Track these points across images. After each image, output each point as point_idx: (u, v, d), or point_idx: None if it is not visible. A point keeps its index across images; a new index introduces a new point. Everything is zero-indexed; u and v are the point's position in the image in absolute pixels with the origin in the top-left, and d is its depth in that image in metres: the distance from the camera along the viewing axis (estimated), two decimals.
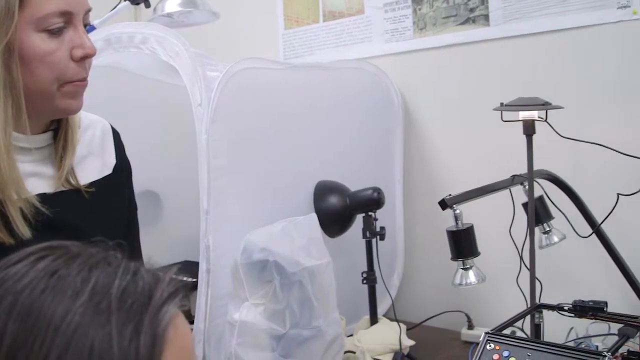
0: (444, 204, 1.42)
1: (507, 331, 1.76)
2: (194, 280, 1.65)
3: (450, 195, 1.43)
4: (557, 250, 1.80)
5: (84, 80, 1.23)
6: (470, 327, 2.00)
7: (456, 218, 1.43)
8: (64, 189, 1.27)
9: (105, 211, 1.35)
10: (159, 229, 2.46)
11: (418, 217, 2.21)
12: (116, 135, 1.46)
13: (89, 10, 1.21)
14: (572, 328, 1.67)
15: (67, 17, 1.16)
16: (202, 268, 1.58)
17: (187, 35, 1.90)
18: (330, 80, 2.04)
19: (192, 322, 1.57)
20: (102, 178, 1.36)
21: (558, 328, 1.62)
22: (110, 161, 1.41)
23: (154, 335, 0.61)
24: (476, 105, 1.96)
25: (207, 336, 1.57)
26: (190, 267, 1.63)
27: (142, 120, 2.32)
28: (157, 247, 2.33)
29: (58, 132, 1.28)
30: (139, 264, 0.67)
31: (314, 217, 1.58)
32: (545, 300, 1.51)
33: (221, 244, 1.58)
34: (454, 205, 1.41)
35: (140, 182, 2.33)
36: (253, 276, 1.45)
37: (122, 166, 1.44)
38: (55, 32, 1.15)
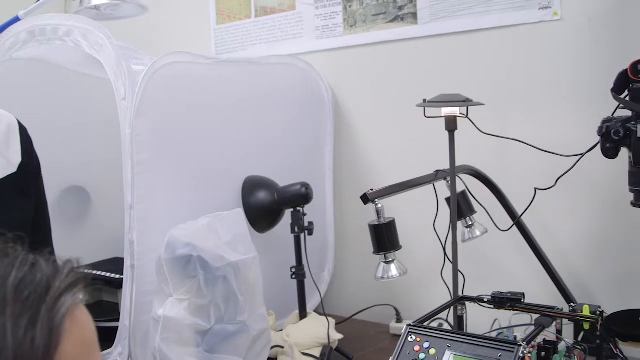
0: (365, 199, 1.43)
1: (434, 324, 1.81)
2: (121, 277, 1.63)
3: (372, 190, 1.44)
4: (481, 244, 1.84)
5: None
6: (399, 320, 2.03)
7: (378, 212, 1.45)
8: None
9: (8, 210, 1.31)
10: (89, 225, 2.43)
11: (348, 212, 2.23)
12: (23, 131, 1.41)
13: None
14: (496, 319, 1.71)
15: None
16: (127, 264, 1.56)
17: (119, 29, 1.87)
18: (260, 75, 2.04)
19: None
20: (5, 177, 1.32)
21: (483, 319, 1.66)
22: (15, 159, 1.37)
23: (51, 326, 0.60)
24: (403, 102, 1.98)
25: (132, 333, 1.56)
26: (120, 264, 1.62)
27: (70, 114, 2.29)
28: (88, 243, 2.32)
29: None
30: (39, 256, 0.65)
31: (240, 212, 1.58)
32: (470, 292, 1.54)
33: (146, 240, 1.56)
34: (376, 200, 1.43)
35: (67, 177, 2.32)
36: (177, 271, 1.44)
37: (29, 164, 1.40)
38: None
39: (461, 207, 1.71)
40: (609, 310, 1.41)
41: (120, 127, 1.57)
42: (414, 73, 2.07)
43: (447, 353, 1.25)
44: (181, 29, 2.64)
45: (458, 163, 1.66)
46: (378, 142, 2.18)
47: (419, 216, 1.85)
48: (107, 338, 1.60)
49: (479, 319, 1.63)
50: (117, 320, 1.59)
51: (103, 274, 2.03)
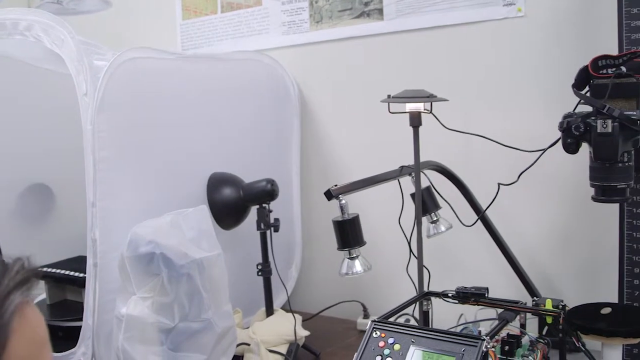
0: (329, 195, 1.43)
1: (402, 319, 1.81)
2: (84, 275, 1.61)
3: (336, 185, 1.44)
4: (447, 239, 1.85)
5: None
6: (366, 316, 2.03)
7: (342, 208, 1.45)
8: None
9: None
10: (53, 223, 2.40)
11: (316, 208, 2.23)
12: None
13: None
14: (462, 314, 1.72)
15: None
16: (90, 262, 1.54)
17: (84, 24, 1.84)
18: (226, 71, 2.02)
19: None
20: None
21: (450, 314, 1.67)
22: None
23: None
24: (370, 98, 1.97)
25: (96, 332, 1.54)
26: (84, 262, 1.59)
27: (33, 110, 2.25)
28: (52, 241, 2.29)
29: None
30: None
31: (204, 208, 1.57)
32: (437, 287, 1.55)
33: (109, 238, 1.54)
34: (340, 196, 1.42)
35: (30, 175, 2.28)
36: (140, 269, 1.43)
37: None
38: None
39: (426, 203, 1.71)
40: (573, 303, 1.42)
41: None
42: (380, 69, 2.07)
43: (412, 348, 1.25)
44: (147, 25, 2.62)
45: (423, 159, 1.67)
46: (345, 138, 2.19)
47: (385, 212, 1.85)
48: (72, 337, 1.58)
49: (446, 314, 1.63)
50: (82, 319, 1.57)
51: (66, 272, 1.99)
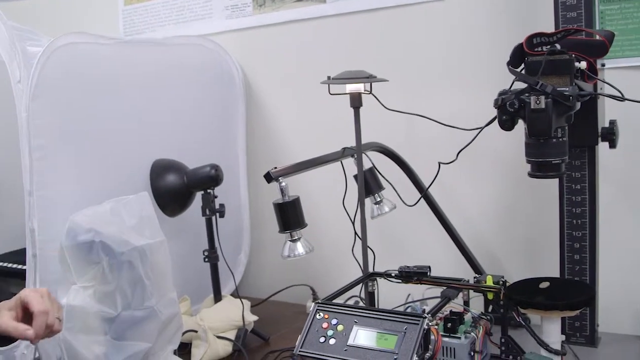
0: (269, 177, 1.42)
1: (351, 302, 1.82)
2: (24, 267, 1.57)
3: (275, 168, 1.43)
4: (392, 219, 1.86)
5: None
6: (315, 299, 2.03)
7: (282, 191, 1.44)
8: None
9: None
10: None
11: (263, 192, 2.22)
12: None
13: None
14: (409, 294, 1.74)
15: None
16: (29, 253, 1.52)
17: (22, 11, 1.79)
18: (167, 56, 1.99)
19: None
20: None
21: (398, 294, 1.68)
22: None
23: None
24: (313, 80, 1.97)
25: None
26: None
27: None
28: None
29: None
30: None
31: (145, 195, 1.54)
32: (384, 267, 1.55)
33: (48, 228, 1.52)
34: (280, 178, 1.42)
35: None
36: (79, 258, 1.40)
37: None
38: None
39: (369, 184, 1.71)
40: (516, 279, 1.44)
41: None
42: (323, 51, 2.07)
43: (355, 328, 1.26)
44: (87, 11, 2.57)
45: (367, 140, 1.67)
46: (291, 121, 2.18)
47: (329, 194, 1.86)
48: None
49: (394, 294, 1.65)
50: None
51: (8, 265, 1.96)
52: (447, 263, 1.86)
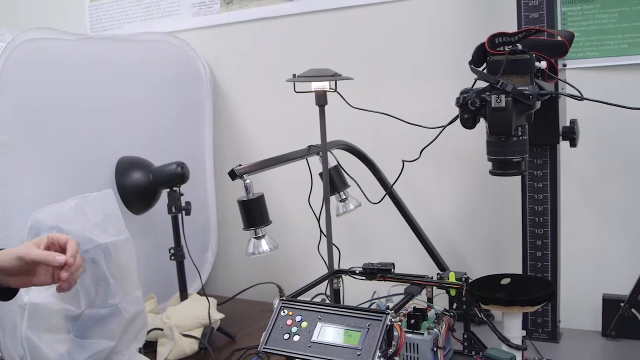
0: (233, 175, 1.42)
1: (318, 299, 1.82)
2: None
3: (240, 165, 1.43)
4: (357, 217, 1.87)
5: None
6: (282, 297, 2.03)
7: (246, 188, 1.44)
8: None
9: None
10: None
11: (231, 190, 2.21)
12: None
13: None
14: (375, 291, 1.75)
15: None
16: None
17: None
18: (132, 53, 1.98)
19: None
20: None
21: (363, 291, 1.68)
22: None
23: None
24: (279, 78, 1.98)
25: (1, 323, 1.49)
26: None
27: None
28: None
29: None
30: None
31: (109, 192, 1.53)
32: (350, 265, 1.56)
33: (10, 225, 1.51)
34: (244, 176, 1.42)
35: None
36: None
37: None
38: None
39: (334, 182, 1.72)
40: (480, 276, 1.46)
41: None
42: (290, 49, 2.08)
43: (319, 325, 1.27)
44: (52, 7, 2.54)
45: (333, 138, 1.67)
46: (258, 119, 2.18)
47: (296, 192, 1.86)
48: None
49: (360, 291, 1.65)
50: None
51: None
52: (413, 260, 1.88)
